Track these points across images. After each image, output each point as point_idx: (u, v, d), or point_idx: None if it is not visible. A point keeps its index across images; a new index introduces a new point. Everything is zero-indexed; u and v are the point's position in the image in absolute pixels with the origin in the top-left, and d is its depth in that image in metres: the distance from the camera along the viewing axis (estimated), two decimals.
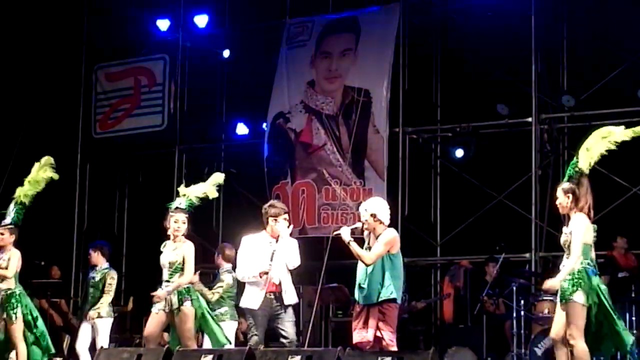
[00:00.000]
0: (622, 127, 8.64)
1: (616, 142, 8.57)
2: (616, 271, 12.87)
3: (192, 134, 17.03)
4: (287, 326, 9.54)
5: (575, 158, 8.62)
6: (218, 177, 10.42)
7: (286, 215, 9.74)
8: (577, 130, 14.73)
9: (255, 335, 9.54)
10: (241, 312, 11.32)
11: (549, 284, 8.36)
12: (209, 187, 10.34)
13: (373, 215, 9.21)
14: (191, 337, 10.03)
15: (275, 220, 9.64)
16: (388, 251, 9.12)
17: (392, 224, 15.10)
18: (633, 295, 12.19)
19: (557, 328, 8.40)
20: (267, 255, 9.53)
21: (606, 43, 14.36)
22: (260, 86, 16.12)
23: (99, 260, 12.09)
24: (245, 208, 16.46)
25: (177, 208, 10.16)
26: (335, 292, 13.46)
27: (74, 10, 17.33)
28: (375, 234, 9.22)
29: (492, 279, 12.51)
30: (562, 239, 8.43)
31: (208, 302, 11.09)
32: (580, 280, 8.21)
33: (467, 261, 14.36)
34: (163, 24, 17.11)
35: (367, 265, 9.06)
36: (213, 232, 16.75)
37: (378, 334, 9.10)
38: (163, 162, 17.02)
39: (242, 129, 16.63)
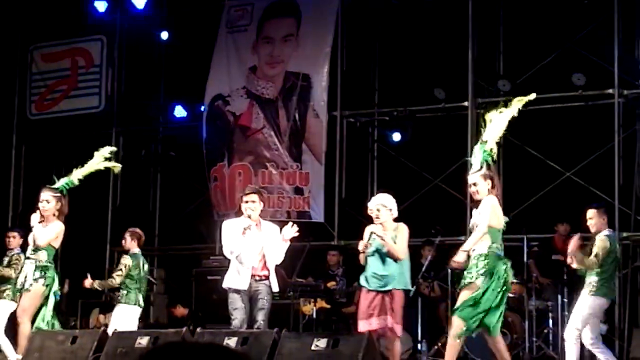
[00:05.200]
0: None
1: (512, 114, 9.02)
2: (551, 253, 13.11)
3: (130, 116, 16.93)
4: (259, 314, 9.59)
5: (482, 144, 8.91)
6: (103, 151, 10.56)
7: (254, 197, 9.80)
8: None
9: (235, 318, 9.60)
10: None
11: (457, 259, 8.79)
12: (97, 163, 10.45)
13: (390, 210, 9.77)
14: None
15: (243, 202, 9.82)
16: None
17: (329, 207, 15.27)
18: (565, 277, 12.39)
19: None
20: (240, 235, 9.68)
21: (542, 28, 14.52)
22: (198, 68, 16.05)
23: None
24: (183, 190, 16.46)
25: (45, 186, 10.23)
26: None
27: None
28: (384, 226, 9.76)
29: (428, 262, 12.62)
30: (472, 222, 8.83)
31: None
32: (486, 267, 8.65)
33: None
34: (100, 5, 16.95)
35: (400, 260, 9.64)
36: (150, 213, 16.70)
37: (389, 321, 9.60)
38: (100, 144, 16.82)
39: (180, 112, 16.54)
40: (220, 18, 16.00)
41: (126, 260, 11.59)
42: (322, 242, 14.68)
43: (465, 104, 14.76)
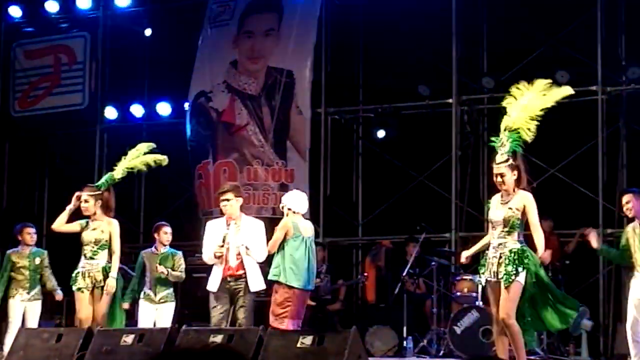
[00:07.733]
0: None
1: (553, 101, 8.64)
2: (533, 250, 13.10)
3: (114, 113, 16.89)
4: (239, 312, 9.65)
5: (510, 133, 8.54)
6: (141, 147, 10.43)
7: (228, 195, 9.79)
8: (496, 111, 14.87)
9: (213, 316, 9.70)
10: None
11: (544, 256, 8.39)
12: (134, 159, 10.33)
13: (289, 209, 10.04)
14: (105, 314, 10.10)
15: (220, 201, 9.88)
16: (285, 237, 9.85)
17: (314, 204, 15.27)
18: (550, 275, 12.40)
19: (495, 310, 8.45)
20: (220, 238, 9.73)
21: (525, 25, 14.56)
22: (182, 65, 16.02)
23: None
24: (168, 188, 16.43)
25: (86, 185, 10.18)
26: None
27: None
28: None
29: (413, 258, 12.64)
30: (505, 214, 8.32)
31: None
32: (527, 261, 8.26)
33: (388, 241, 14.48)
34: (84, 2, 16.90)
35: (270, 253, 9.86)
36: (135, 212, 16.67)
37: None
38: (84, 141, 16.85)
39: (164, 109, 16.53)
40: (203, 15, 15.98)
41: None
42: None
43: (450, 101, 14.79)
